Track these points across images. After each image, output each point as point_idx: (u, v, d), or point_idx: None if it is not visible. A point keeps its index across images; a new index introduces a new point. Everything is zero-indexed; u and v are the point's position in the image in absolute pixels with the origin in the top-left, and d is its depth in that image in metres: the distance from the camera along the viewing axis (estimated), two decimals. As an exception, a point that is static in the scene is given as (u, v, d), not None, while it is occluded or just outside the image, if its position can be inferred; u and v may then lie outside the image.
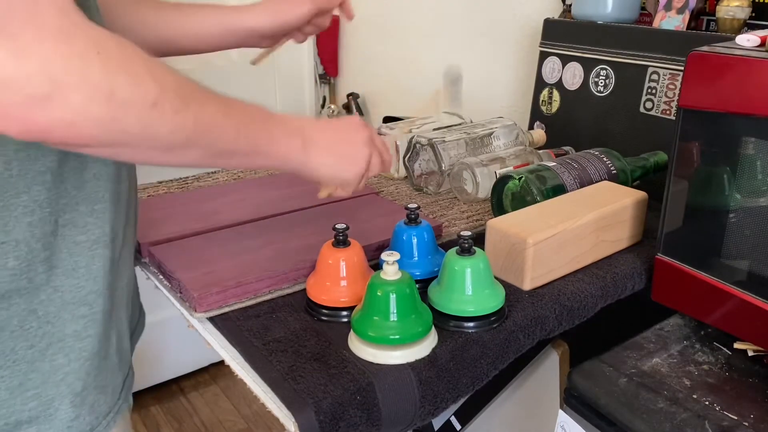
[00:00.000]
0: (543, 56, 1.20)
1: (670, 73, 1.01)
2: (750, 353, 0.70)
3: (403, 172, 1.10)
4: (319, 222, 0.86)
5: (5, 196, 0.50)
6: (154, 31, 0.76)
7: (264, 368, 0.60)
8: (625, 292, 0.79)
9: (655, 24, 1.06)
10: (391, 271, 0.61)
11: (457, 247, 0.67)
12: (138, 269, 0.79)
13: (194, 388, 1.96)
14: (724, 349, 0.72)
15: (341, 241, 0.68)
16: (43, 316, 0.54)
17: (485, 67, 1.48)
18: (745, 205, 0.65)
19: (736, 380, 0.67)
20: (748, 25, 0.97)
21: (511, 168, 0.99)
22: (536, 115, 1.23)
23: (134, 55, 0.45)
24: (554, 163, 0.91)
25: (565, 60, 1.16)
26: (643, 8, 1.12)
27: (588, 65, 1.12)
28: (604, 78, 1.10)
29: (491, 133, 1.09)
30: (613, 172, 0.93)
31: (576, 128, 1.16)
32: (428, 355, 0.62)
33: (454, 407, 1.07)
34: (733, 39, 0.68)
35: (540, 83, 1.21)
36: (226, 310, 0.69)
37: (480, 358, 0.65)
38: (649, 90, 1.04)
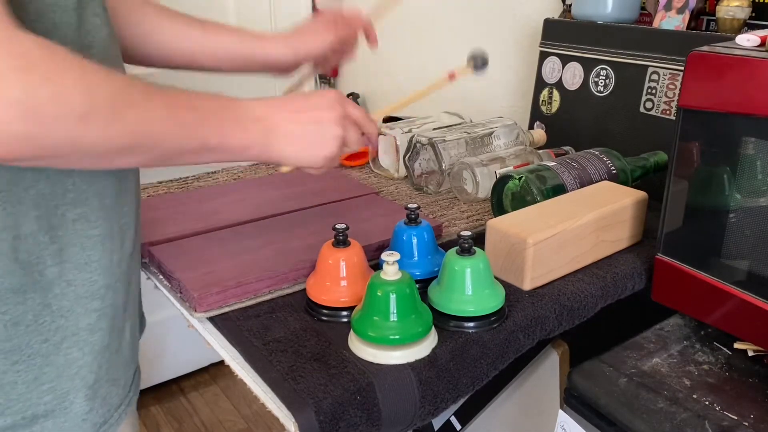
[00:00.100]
0: (543, 56, 1.20)
1: (670, 73, 1.01)
2: (750, 353, 0.70)
3: (403, 172, 1.10)
4: (319, 222, 0.86)
5: (16, 189, 0.50)
6: (176, 44, 0.76)
7: (264, 368, 0.60)
8: (625, 292, 0.79)
9: (655, 24, 1.06)
10: (391, 271, 0.61)
11: (457, 247, 0.67)
12: (138, 269, 0.79)
13: (194, 388, 1.96)
14: (724, 349, 0.72)
15: (341, 241, 0.68)
16: (57, 310, 0.54)
17: (485, 67, 1.48)
18: (745, 205, 0.65)
19: (736, 380, 0.67)
20: (748, 25, 0.97)
21: (511, 168, 0.99)
22: (536, 115, 1.23)
23: (64, 66, 0.44)
24: (554, 163, 0.91)
25: (565, 60, 1.16)
26: (643, 8, 1.12)
27: (588, 65, 1.12)
28: (604, 78, 1.10)
29: (491, 133, 1.09)
30: (613, 172, 0.93)
31: (576, 128, 1.16)
32: (428, 355, 0.62)
33: (454, 407, 1.07)
34: (733, 39, 0.68)
35: (540, 83, 1.21)
36: (226, 310, 0.69)
37: (480, 358, 0.65)
38: (649, 90, 1.04)
